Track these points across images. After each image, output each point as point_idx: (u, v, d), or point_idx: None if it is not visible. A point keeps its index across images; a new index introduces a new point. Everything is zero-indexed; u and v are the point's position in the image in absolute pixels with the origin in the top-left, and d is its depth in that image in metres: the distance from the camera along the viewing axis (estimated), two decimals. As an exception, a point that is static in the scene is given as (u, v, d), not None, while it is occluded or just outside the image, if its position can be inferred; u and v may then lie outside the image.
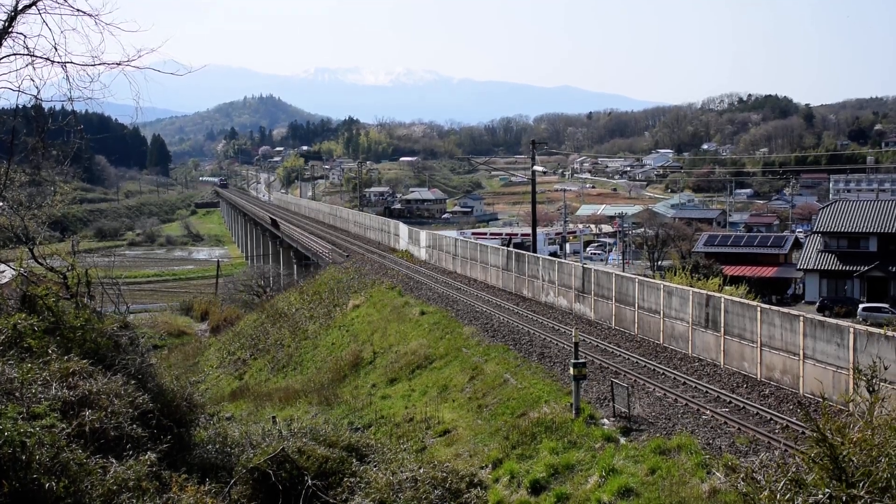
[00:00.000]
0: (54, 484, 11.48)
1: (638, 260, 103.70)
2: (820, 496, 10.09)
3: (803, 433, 20.86)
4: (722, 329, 29.97)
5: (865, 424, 11.07)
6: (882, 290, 67.53)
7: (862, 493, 9.86)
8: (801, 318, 26.23)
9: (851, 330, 23.99)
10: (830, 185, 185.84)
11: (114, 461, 13.20)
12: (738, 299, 30.91)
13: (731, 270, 73.37)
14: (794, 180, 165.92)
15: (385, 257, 69.16)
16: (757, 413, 23.68)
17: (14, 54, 16.15)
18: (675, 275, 61.86)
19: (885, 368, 12.30)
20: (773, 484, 10.74)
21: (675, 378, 28.18)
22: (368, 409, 31.64)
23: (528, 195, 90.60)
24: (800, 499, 10.33)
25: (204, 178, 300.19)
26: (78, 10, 15.47)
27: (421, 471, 20.44)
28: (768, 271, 77.50)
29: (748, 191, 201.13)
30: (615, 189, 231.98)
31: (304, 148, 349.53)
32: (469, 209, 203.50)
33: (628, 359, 31.30)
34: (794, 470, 10.91)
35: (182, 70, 16.47)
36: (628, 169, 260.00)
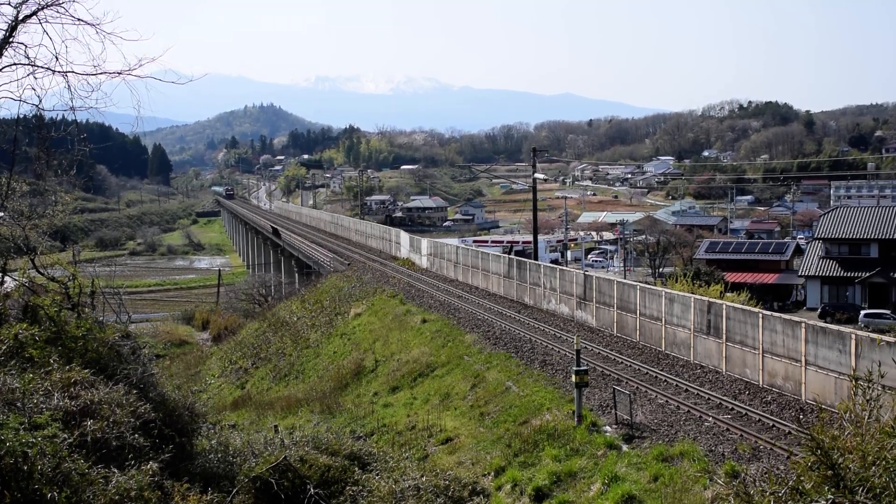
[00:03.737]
0: (56, 494, 11.46)
1: (639, 267, 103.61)
2: (822, 502, 10.07)
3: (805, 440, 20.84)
4: (724, 336, 29.94)
5: (856, 431, 11.07)
6: (883, 297, 67.46)
7: (867, 500, 9.85)
8: (803, 325, 26.20)
9: (853, 336, 23.96)
10: (831, 191, 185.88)
11: (116, 471, 13.17)
12: (739, 306, 30.90)
13: (732, 277, 73.38)
14: (795, 187, 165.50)
15: (386, 265, 69.14)
16: (759, 420, 23.63)
17: (15, 64, 16.21)
18: (676, 282, 61.86)
19: (882, 376, 12.24)
20: (772, 493, 10.73)
21: (677, 385, 28.15)
22: (370, 418, 31.61)
23: (529, 203, 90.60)
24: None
25: (214, 188, 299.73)
26: (79, 19, 15.54)
27: (423, 479, 20.42)
28: (770, 278, 77.46)
29: (749, 197, 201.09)
30: (616, 196, 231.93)
31: (305, 156, 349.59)
32: (470, 217, 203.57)
33: (630, 366, 31.27)
34: (794, 478, 10.89)
35: (183, 79, 16.50)
36: (629, 176, 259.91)
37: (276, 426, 26.15)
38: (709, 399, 26.20)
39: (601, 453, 21.64)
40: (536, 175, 59.34)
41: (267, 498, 18.23)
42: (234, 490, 17.67)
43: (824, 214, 79.20)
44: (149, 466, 13.70)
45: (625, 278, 61.87)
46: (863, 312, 62.46)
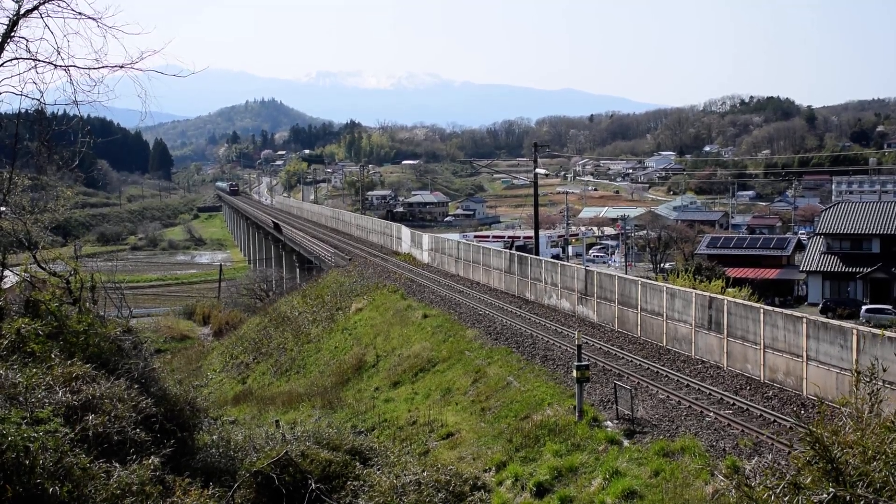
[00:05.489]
0: (58, 488, 11.48)
1: (640, 262, 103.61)
2: (824, 496, 10.09)
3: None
4: (725, 331, 29.94)
5: (856, 426, 11.08)
6: (885, 292, 67.40)
7: (866, 494, 9.86)
8: (804, 320, 26.20)
9: (854, 331, 23.95)
10: (833, 186, 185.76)
11: (117, 465, 13.20)
12: (741, 301, 30.89)
13: (733, 272, 73.27)
14: (797, 182, 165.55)
15: (387, 260, 69.14)
16: (760, 415, 23.65)
17: (17, 58, 16.19)
18: (677, 277, 61.83)
19: (884, 370, 12.26)
20: (771, 488, 10.73)
21: (678, 380, 28.16)
22: (371, 413, 31.64)
23: (530, 198, 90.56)
24: (798, 499, 10.32)
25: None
26: (80, 13, 15.52)
27: (424, 474, 20.43)
28: (771, 273, 77.40)
29: (750, 193, 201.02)
30: (617, 191, 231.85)
31: (307, 151, 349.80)
32: (471, 212, 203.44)
33: (631, 361, 31.28)
34: (792, 473, 10.91)
35: (184, 72, 16.48)
36: (630, 171, 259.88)
37: (277, 421, 26.20)
38: (710, 394, 26.21)
39: (602, 448, 21.66)
40: (538, 170, 59.31)
41: (268, 493, 18.26)
42: (236, 485, 17.69)
43: (826, 210, 79.10)
44: (150, 461, 13.74)
45: (626, 274, 61.86)
46: (864, 308, 62.43)
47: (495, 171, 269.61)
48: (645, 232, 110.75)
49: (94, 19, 15.38)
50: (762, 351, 27.90)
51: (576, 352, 25.77)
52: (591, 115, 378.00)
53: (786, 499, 10.44)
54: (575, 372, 24.03)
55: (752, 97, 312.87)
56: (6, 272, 21.59)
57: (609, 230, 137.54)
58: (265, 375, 49.09)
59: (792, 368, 26.49)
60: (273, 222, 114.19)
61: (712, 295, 32.56)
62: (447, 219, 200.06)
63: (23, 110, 17.54)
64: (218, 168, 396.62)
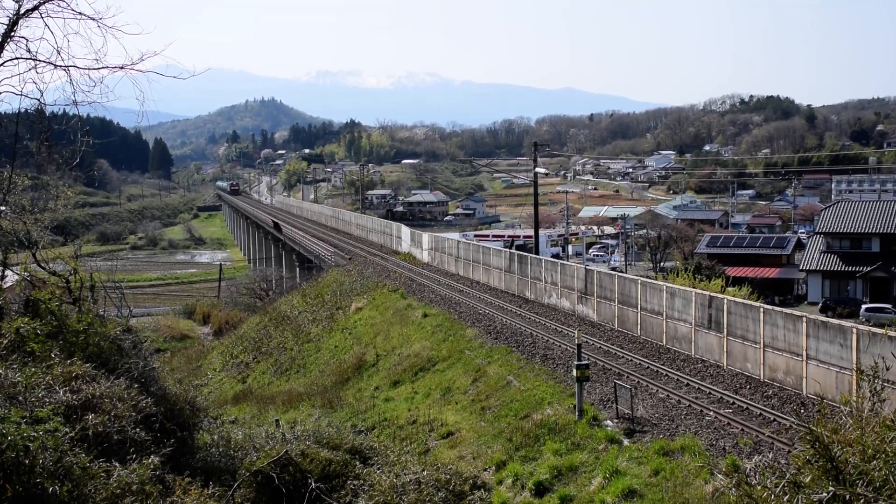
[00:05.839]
0: (58, 488, 11.49)
1: (640, 261, 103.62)
2: (823, 494, 10.09)
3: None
4: (725, 330, 29.94)
5: (856, 424, 11.09)
6: (885, 291, 67.43)
7: (866, 493, 9.86)
8: (804, 319, 26.20)
9: (854, 330, 23.95)
10: (833, 185, 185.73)
11: (117, 465, 13.21)
12: (740, 300, 30.89)
13: (733, 271, 73.26)
14: (797, 181, 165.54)
15: (387, 260, 69.15)
16: (760, 414, 23.65)
17: (17, 58, 16.18)
18: (677, 276, 61.82)
19: (888, 369, 12.25)
20: (771, 487, 10.73)
21: (678, 379, 28.16)
22: (371, 412, 31.65)
23: (530, 197, 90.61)
24: (798, 498, 10.32)
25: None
26: (80, 13, 15.51)
27: (424, 473, 20.45)
28: (771, 272, 77.42)
29: (750, 192, 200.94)
30: (617, 190, 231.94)
31: (306, 151, 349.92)
32: (471, 211, 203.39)
33: (631, 360, 31.28)
34: (792, 472, 10.90)
35: (184, 73, 16.47)
36: (630, 170, 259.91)
37: (277, 420, 26.23)
38: (710, 393, 26.22)
39: (602, 447, 21.67)
40: (538, 169, 59.29)
41: (268, 492, 18.27)
42: (236, 484, 17.70)
43: (825, 209, 79.13)
44: (150, 460, 13.75)
45: (626, 273, 61.78)
46: (864, 307, 62.45)
47: (495, 171, 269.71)
48: (645, 231, 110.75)
49: (94, 19, 15.37)
50: (762, 350, 27.90)
51: (576, 351, 25.77)
52: (591, 115, 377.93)
53: (786, 498, 10.44)
54: (575, 371, 24.03)
55: (752, 96, 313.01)
56: (6, 272, 21.61)
57: (609, 229, 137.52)
58: (265, 375, 49.11)
59: (792, 367, 26.49)
60: (273, 221, 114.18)
61: (712, 294, 32.56)
62: (447, 218, 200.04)
63: (23, 110, 17.54)
64: (218, 167, 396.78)
